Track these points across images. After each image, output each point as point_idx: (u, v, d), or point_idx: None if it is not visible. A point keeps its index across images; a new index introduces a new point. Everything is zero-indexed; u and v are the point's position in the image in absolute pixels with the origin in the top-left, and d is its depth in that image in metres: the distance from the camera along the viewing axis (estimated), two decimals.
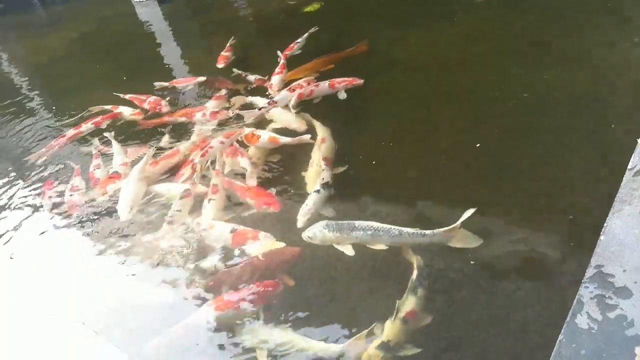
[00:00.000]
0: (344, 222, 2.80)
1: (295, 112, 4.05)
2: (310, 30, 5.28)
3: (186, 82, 5.33)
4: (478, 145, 3.15)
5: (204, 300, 2.57)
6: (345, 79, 4.20)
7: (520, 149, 3.09)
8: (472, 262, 2.41)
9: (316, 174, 3.27)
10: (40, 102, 6.57)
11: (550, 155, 3.00)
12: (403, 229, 2.59)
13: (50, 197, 4.01)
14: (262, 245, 2.82)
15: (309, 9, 6.37)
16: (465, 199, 2.77)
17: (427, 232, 2.53)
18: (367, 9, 6.19)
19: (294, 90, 4.32)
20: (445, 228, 2.48)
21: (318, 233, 2.81)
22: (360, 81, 4.07)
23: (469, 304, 2.26)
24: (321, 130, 3.70)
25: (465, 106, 3.68)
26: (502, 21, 4.78)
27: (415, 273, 2.39)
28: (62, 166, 4.40)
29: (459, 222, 2.45)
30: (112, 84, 6.01)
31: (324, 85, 4.22)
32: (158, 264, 2.89)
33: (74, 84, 6.84)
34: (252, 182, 3.44)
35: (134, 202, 3.46)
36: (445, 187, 2.96)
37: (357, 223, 2.75)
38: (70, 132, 4.89)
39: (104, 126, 4.86)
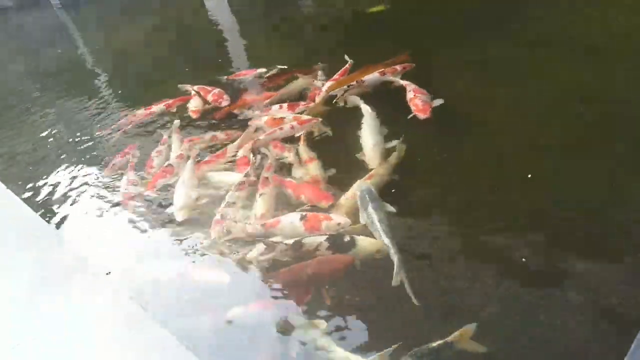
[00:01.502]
0: (370, 200, 2.86)
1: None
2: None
3: (247, 74, 5.41)
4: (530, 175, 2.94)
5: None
6: (421, 102, 3.69)
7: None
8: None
9: (348, 206, 3.08)
10: (111, 88, 6.90)
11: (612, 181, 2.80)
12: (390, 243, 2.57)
13: (114, 164, 4.22)
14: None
15: (374, 9, 6.31)
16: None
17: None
18: (435, 11, 6.04)
19: (384, 74, 4.25)
20: None
21: (357, 189, 3.02)
22: (425, 116, 3.57)
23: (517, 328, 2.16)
24: (382, 165, 3.32)
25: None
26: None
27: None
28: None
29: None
30: (178, 74, 6.23)
31: (410, 93, 3.85)
32: (215, 252, 2.92)
33: (144, 72, 7.14)
34: (298, 175, 3.48)
35: (188, 204, 3.43)
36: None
37: (371, 207, 2.80)
38: (142, 111, 5.11)
39: (174, 109, 5.03)
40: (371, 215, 2.80)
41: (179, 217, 3.33)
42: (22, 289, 2.35)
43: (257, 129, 4.18)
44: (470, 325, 2.12)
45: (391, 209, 2.91)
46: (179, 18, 9.77)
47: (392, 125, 3.64)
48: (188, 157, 3.96)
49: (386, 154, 3.41)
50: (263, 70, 5.30)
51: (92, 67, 8.79)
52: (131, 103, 5.69)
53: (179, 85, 5.40)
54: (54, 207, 3.86)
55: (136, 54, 8.34)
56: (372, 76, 4.26)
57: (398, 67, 4.29)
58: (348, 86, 4.24)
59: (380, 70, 4.27)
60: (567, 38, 4.33)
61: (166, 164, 3.97)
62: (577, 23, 4.61)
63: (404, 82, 4.04)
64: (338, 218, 2.90)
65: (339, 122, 3.97)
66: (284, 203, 3.27)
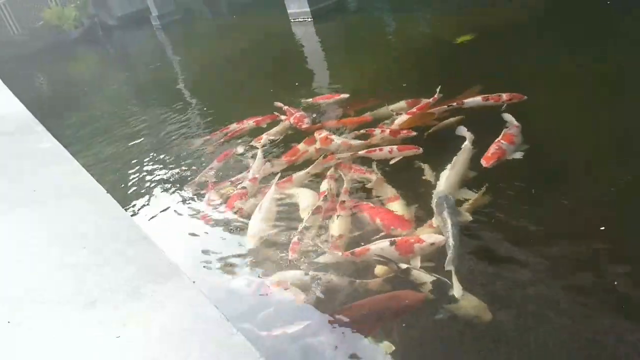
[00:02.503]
0: (447, 206, 2.94)
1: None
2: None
3: (329, 99, 5.51)
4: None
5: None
6: (495, 148, 3.52)
7: None
8: None
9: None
10: (200, 102, 7.34)
11: None
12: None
13: (211, 167, 4.43)
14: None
15: (461, 39, 6.26)
16: None
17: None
18: (528, 39, 5.89)
19: (487, 99, 4.25)
20: None
21: (435, 194, 3.14)
22: (486, 165, 3.42)
23: None
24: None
25: None
26: None
27: None
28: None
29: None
30: (262, 93, 6.51)
31: (501, 135, 3.67)
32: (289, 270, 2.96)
33: (232, 90, 7.52)
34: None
35: (260, 233, 3.40)
36: None
37: (446, 212, 2.89)
38: (234, 125, 5.36)
39: (264, 125, 5.23)
40: (445, 219, 2.86)
41: (250, 244, 3.33)
42: (113, 286, 2.52)
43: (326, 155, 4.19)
44: None
45: (468, 217, 2.93)
46: (267, 41, 10.22)
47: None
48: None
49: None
50: (346, 95, 5.38)
51: (184, 82, 9.41)
52: (219, 118, 6.00)
53: (275, 103, 5.58)
54: (146, 212, 4.14)
55: (225, 72, 8.80)
56: (473, 99, 4.25)
57: (504, 96, 4.19)
58: (448, 106, 4.28)
59: (485, 95, 4.25)
60: None
61: (240, 186, 3.99)
62: None
63: (514, 122, 3.81)
64: (430, 238, 2.85)
65: (429, 149, 3.89)
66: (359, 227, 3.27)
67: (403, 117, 4.43)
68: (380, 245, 2.91)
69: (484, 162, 3.46)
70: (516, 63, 5.23)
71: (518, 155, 3.49)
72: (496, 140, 3.61)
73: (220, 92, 7.70)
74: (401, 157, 3.89)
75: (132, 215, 3.75)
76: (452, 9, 8.35)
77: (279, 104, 5.55)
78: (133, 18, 19.67)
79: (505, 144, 3.57)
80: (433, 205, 3.13)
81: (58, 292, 2.61)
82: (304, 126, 4.92)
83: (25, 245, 3.26)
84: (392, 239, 2.92)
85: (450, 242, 2.74)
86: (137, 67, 13.18)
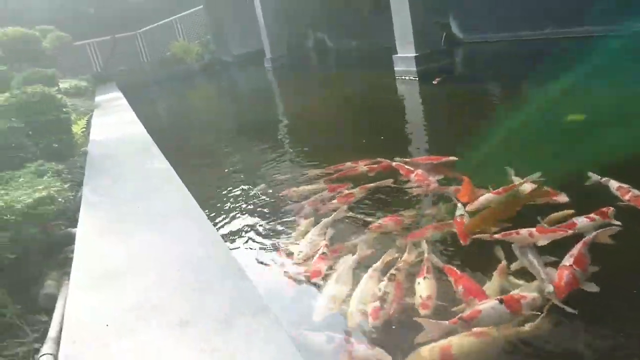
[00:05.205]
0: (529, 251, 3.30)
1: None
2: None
3: (433, 160, 5.31)
4: None
5: None
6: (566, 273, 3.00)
7: None
8: None
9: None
10: (294, 142, 7.68)
11: None
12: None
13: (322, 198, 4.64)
14: None
15: (573, 117, 5.96)
16: None
17: None
18: None
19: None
20: None
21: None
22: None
23: None
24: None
25: None
26: None
27: None
28: None
29: None
30: (358, 147, 6.65)
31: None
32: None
33: (327, 135, 7.77)
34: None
35: (330, 306, 3.26)
36: None
37: (530, 254, 3.24)
38: (349, 164, 5.46)
39: (372, 174, 5.14)
40: (531, 260, 3.22)
41: (317, 316, 3.16)
42: (202, 312, 2.66)
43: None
44: None
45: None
46: (371, 94, 10.50)
47: None
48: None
49: None
50: (454, 159, 5.12)
51: (283, 118, 10.07)
52: (313, 159, 6.23)
53: (379, 159, 5.47)
54: (242, 242, 4.32)
55: (324, 117, 9.14)
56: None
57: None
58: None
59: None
60: None
61: (320, 251, 3.80)
62: None
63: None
64: (529, 294, 2.92)
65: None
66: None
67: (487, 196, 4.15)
68: (490, 304, 2.82)
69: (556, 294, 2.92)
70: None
71: (594, 288, 2.89)
72: (567, 265, 3.05)
73: (315, 135, 7.99)
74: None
75: (227, 243, 3.92)
76: (571, 82, 8.03)
77: (399, 164, 5.32)
78: (248, 57, 21.27)
79: (579, 270, 3.01)
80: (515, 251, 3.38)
81: (151, 309, 2.78)
82: (431, 187, 4.52)
83: (127, 260, 3.50)
84: (500, 297, 2.88)
85: (543, 275, 3.04)
86: (244, 99, 14.26)
